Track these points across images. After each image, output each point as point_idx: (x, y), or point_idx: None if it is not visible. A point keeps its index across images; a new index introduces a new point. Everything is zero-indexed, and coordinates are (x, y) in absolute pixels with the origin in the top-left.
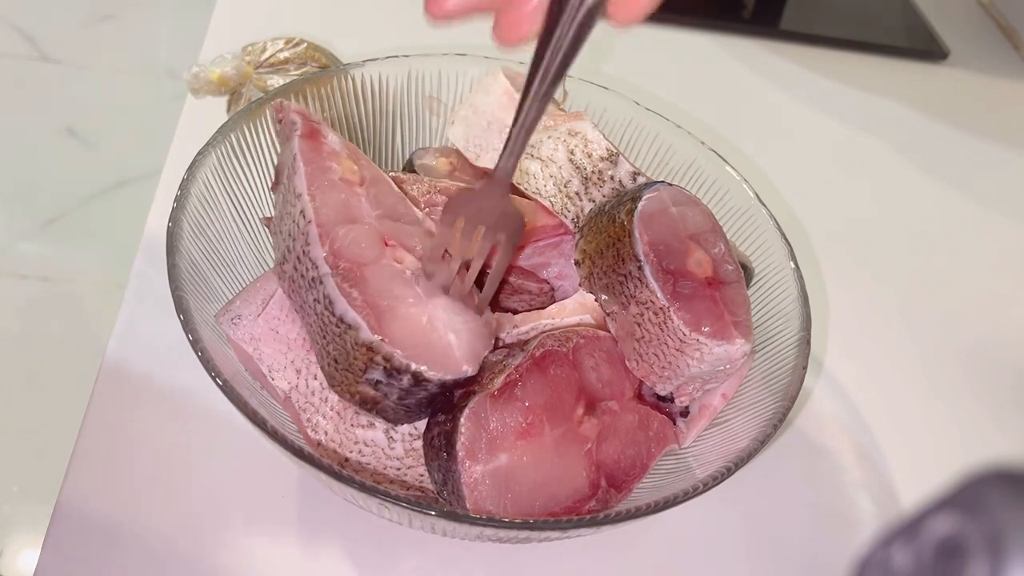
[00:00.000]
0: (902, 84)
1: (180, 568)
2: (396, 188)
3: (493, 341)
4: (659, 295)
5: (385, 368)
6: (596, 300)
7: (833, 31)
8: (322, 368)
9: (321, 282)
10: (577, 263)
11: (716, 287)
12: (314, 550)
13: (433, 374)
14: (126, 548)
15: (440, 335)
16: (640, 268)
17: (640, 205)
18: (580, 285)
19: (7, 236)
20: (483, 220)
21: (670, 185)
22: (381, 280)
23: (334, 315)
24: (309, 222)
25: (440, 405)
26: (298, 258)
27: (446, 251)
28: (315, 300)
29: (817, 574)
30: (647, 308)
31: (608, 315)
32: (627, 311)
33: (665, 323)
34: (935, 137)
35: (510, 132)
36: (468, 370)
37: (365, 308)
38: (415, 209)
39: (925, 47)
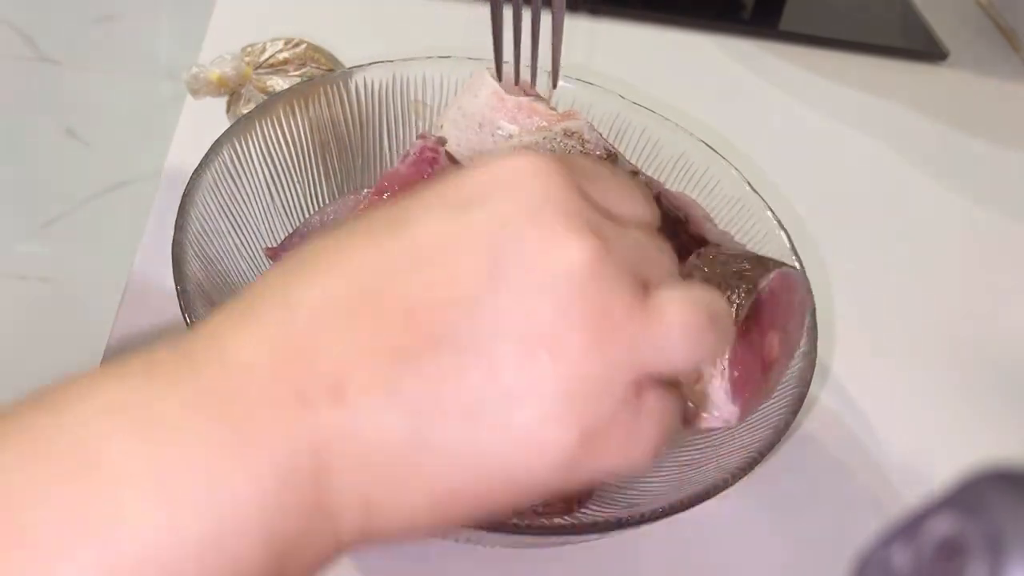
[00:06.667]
0: (902, 84)
1: None
2: None
3: None
4: None
5: None
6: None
7: (833, 31)
8: None
9: None
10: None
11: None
12: None
13: None
14: None
15: None
16: None
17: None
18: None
19: (7, 236)
20: None
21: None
22: None
23: None
24: None
25: None
26: None
27: None
28: None
29: (817, 574)
30: None
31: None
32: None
33: None
34: (935, 137)
35: None
36: None
37: None
38: None
39: (924, 48)
